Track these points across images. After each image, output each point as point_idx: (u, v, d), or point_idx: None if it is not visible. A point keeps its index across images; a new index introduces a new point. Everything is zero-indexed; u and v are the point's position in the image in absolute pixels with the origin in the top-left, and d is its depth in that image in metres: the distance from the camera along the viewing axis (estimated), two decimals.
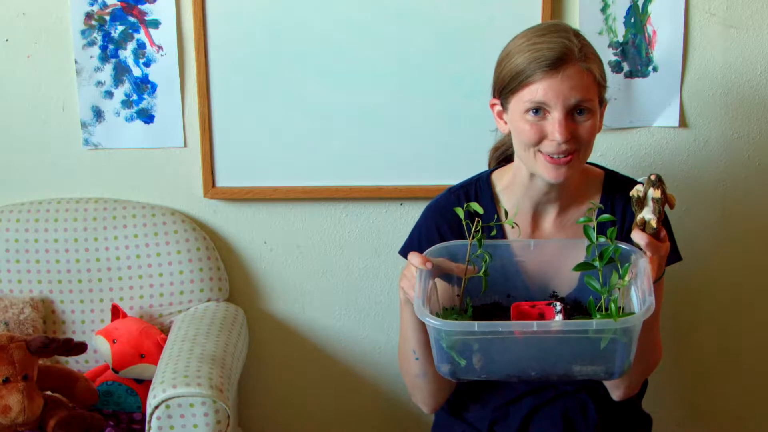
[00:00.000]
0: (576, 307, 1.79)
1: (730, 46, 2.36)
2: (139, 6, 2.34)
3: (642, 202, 1.68)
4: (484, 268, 1.75)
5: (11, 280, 2.39)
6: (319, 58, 2.36)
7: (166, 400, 1.96)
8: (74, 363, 2.38)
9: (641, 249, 1.68)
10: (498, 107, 1.86)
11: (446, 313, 1.76)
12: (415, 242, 1.97)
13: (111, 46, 2.37)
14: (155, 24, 2.36)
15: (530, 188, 1.88)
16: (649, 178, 1.68)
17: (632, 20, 2.34)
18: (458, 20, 2.33)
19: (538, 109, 1.76)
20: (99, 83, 2.39)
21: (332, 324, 2.56)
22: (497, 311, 1.78)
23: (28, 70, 2.40)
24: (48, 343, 2.07)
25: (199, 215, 2.48)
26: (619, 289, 1.66)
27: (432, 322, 1.62)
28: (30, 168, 2.46)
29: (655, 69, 2.36)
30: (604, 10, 2.33)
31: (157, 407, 1.97)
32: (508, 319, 1.70)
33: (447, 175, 2.42)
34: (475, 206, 1.75)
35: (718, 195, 2.44)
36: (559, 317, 1.69)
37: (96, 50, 2.37)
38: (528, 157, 1.81)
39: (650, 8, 2.33)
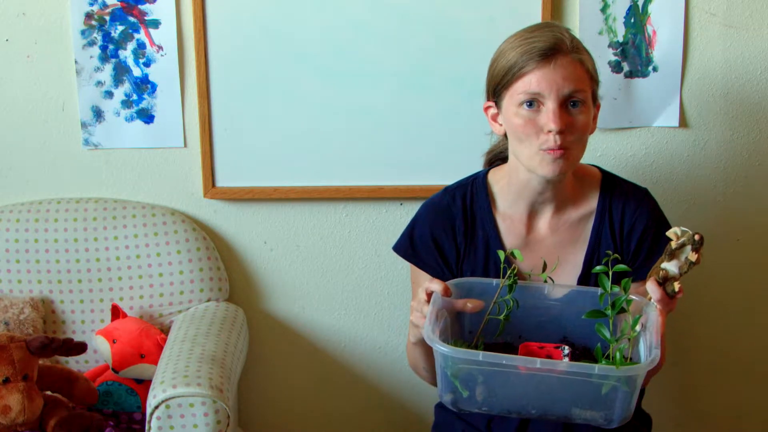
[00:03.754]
0: (585, 353, 1.79)
1: (730, 46, 2.36)
2: (139, 6, 2.34)
3: (674, 254, 1.64)
4: (505, 313, 1.76)
5: (11, 280, 2.39)
6: (319, 58, 2.36)
7: (166, 400, 1.97)
8: (74, 363, 2.38)
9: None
10: (492, 109, 1.88)
11: (456, 344, 1.75)
12: (407, 241, 1.99)
13: (111, 46, 2.37)
14: (155, 24, 2.36)
15: (526, 187, 1.88)
16: (693, 237, 1.62)
17: (632, 20, 2.34)
18: (458, 20, 2.33)
19: (532, 102, 1.77)
20: (99, 83, 2.39)
21: (332, 324, 2.56)
22: (507, 350, 1.77)
23: (28, 70, 2.40)
24: (48, 343, 2.07)
25: (199, 215, 2.48)
26: (629, 339, 1.65)
27: (440, 348, 1.63)
28: (30, 168, 2.46)
29: (655, 69, 2.36)
30: (604, 10, 2.33)
31: (157, 407, 1.97)
32: None
33: (447, 175, 2.41)
34: (501, 254, 1.78)
35: (718, 195, 2.44)
36: (566, 360, 1.69)
37: (96, 50, 2.37)
38: (523, 153, 1.81)
39: (650, 8, 2.33)
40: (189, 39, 2.36)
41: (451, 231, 1.92)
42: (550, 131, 1.76)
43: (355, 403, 2.62)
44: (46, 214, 2.39)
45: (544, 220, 1.91)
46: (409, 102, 2.38)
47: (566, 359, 1.70)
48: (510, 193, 1.91)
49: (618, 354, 1.62)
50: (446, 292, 1.73)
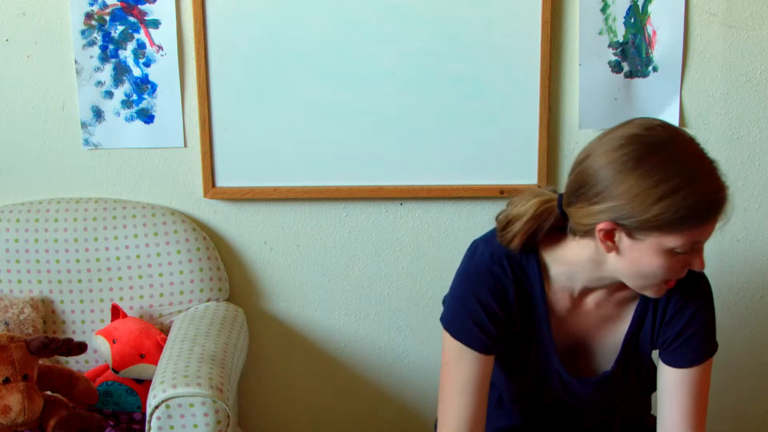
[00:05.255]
0: None
1: (730, 46, 2.36)
2: (139, 6, 2.34)
3: None
4: None
5: (11, 280, 2.39)
6: (319, 58, 2.36)
7: (166, 400, 1.96)
8: (74, 363, 2.38)
9: None
10: (616, 230, 1.59)
11: None
12: (459, 319, 1.76)
13: (111, 46, 2.37)
14: (155, 24, 2.36)
15: (591, 277, 1.70)
16: None
17: (632, 20, 2.34)
18: (458, 20, 2.33)
19: (693, 247, 1.59)
20: (99, 83, 2.39)
21: (332, 324, 2.56)
22: None
23: (28, 70, 2.40)
24: (48, 343, 2.07)
25: (199, 215, 2.48)
26: None
27: None
28: (30, 168, 2.46)
29: (655, 69, 2.36)
30: (604, 10, 2.33)
31: (157, 407, 1.97)
32: None
33: (447, 175, 2.42)
34: None
35: None
36: None
37: (96, 50, 2.37)
38: (637, 281, 1.64)
39: (650, 8, 2.33)
40: (189, 39, 2.36)
41: (504, 300, 1.73)
42: (695, 269, 1.64)
43: (354, 403, 2.62)
44: (46, 214, 2.39)
45: (594, 297, 1.76)
46: (409, 102, 2.38)
47: None
48: (569, 276, 1.72)
49: None
50: None
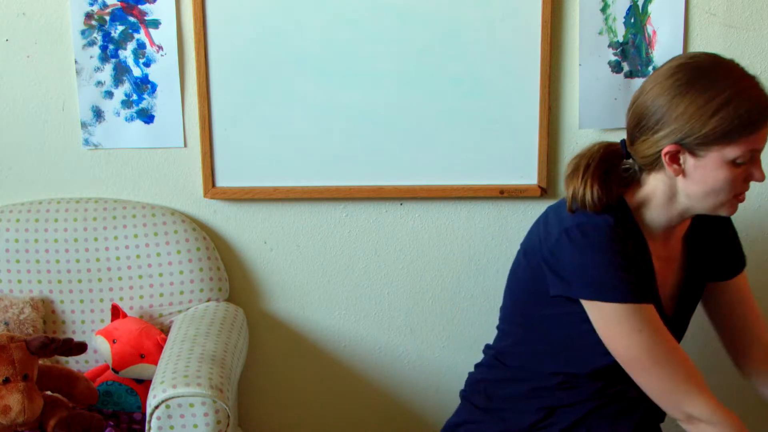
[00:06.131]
0: None
1: (730, 46, 2.36)
2: (139, 6, 2.34)
3: None
4: None
5: (11, 280, 2.39)
6: (319, 58, 2.36)
7: (166, 400, 1.96)
8: (74, 363, 2.38)
9: None
10: (680, 153, 1.75)
11: None
12: (624, 282, 1.77)
13: (111, 46, 2.37)
14: (155, 24, 2.36)
15: (674, 217, 1.85)
16: None
17: (632, 20, 2.34)
18: (458, 20, 2.33)
19: (751, 156, 1.75)
20: (99, 83, 2.39)
21: (332, 324, 2.56)
22: None
23: (28, 70, 2.40)
24: (48, 343, 2.07)
25: (199, 215, 2.48)
26: None
27: None
28: (30, 168, 2.46)
29: (655, 69, 2.36)
30: (604, 10, 2.33)
31: (157, 407, 1.97)
32: None
33: (447, 175, 2.42)
34: None
35: None
36: None
37: (96, 50, 2.37)
38: (708, 202, 1.79)
39: (650, 8, 2.33)
40: (189, 39, 2.36)
41: (635, 254, 1.81)
42: (752, 182, 1.77)
43: (355, 403, 2.62)
44: (46, 214, 2.39)
45: (672, 238, 1.91)
46: (409, 102, 2.38)
47: None
48: (654, 218, 1.86)
49: None
50: None
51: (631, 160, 1.85)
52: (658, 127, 1.75)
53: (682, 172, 1.76)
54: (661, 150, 1.75)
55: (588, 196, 1.81)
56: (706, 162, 1.74)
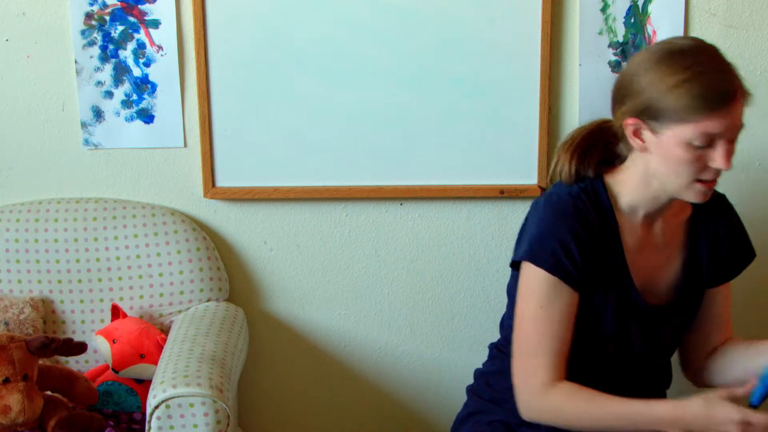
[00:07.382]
0: None
1: (730, 46, 2.36)
2: (139, 6, 2.34)
3: None
4: None
5: (11, 280, 2.39)
6: (319, 58, 2.36)
7: (166, 400, 1.96)
8: (74, 363, 2.38)
9: None
10: (639, 127, 1.77)
11: None
12: (550, 253, 1.80)
13: (111, 46, 2.37)
14: (155, 24, 2.36)
15: (653, 200, 1.84)
16: None
17: (632, 20, 2.34)
18: (458, 20, 2.33)
19: (705, 140, 1.72)
20: (99, 83, 2.39)
21: (332, 324, 2.56)
22: None
23: (28, 70, 2.40)
24: (48, 343, 2.07)
25: (199, 215, 2.48)
26: None
27: None
28: (30, 168, 2.46)
29: None
30: (604, 10, 2.33)
31: (157, 407, 1.97)
32: None
33: (447, 175, 2.42)
34: None
35: None
36: None
37: (96, 50, 2.37)
38: (671, 181, 1.77)
39: (650, 8, 2.33)
40: (189, 39, 2.36)
41: (588, 227, 1.82)
42: (720, 169, 1.74)
43: (354, 403, 2.62)
44: (46, 214, 2.39)
45: (658, 224, 1.90)
46: (409, 102, 2.38)
47: None
48: (631, 199, 1.86)
49: None
50: None
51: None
52: (625, 100, 1.77)
53: (645, 148, 1.77)
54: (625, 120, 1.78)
55: (565, 169, 1.87)
56: (664, 140, 1.73)
